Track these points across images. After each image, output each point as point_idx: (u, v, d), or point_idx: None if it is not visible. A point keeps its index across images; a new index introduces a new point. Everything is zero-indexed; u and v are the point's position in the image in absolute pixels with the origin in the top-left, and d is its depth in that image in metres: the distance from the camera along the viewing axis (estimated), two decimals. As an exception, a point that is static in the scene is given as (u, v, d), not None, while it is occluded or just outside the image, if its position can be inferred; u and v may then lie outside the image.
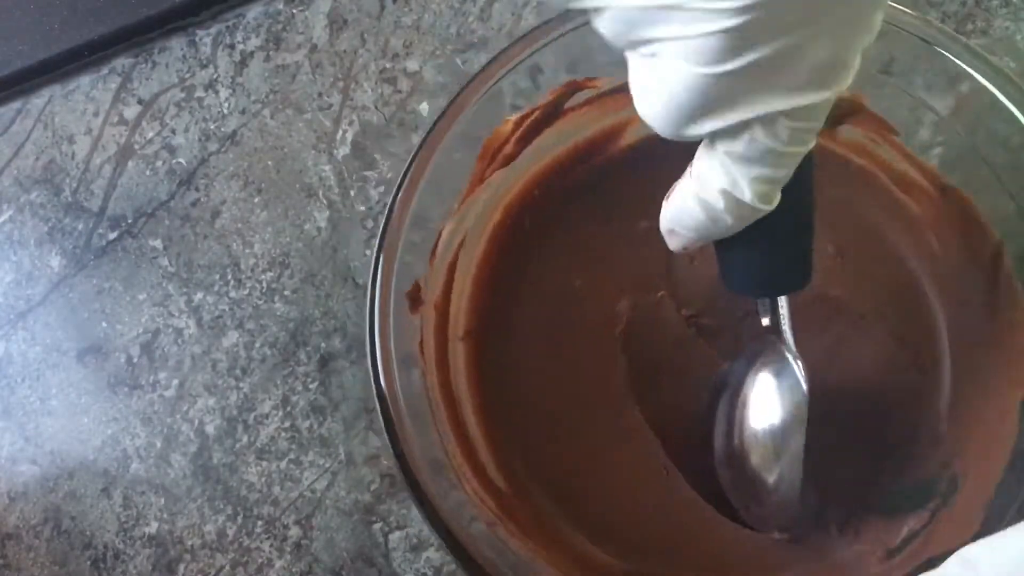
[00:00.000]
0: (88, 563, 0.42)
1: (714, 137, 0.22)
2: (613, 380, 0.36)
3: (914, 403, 0.34)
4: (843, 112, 0.34)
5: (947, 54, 0.31)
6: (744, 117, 0.21)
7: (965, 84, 0.31)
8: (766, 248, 0.26)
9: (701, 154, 0.23)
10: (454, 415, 0.34)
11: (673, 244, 0.27)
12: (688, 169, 0.25)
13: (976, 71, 0.31)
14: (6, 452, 0.44)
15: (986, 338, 0.33)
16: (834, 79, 0.20)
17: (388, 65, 0.44)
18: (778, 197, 0.23)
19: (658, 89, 0.21)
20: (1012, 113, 0.30)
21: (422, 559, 0.39)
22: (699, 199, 0.24)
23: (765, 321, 0.31)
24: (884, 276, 0.36)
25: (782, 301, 0.30)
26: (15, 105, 0.48)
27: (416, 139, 0.43)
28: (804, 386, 0.31)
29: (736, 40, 0.19)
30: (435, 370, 0.34)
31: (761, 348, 0.32)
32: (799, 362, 0.31)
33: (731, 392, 0.33)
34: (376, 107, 0.44)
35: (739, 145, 0.22)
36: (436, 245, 0.34)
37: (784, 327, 0.31)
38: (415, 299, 0.33)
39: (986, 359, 0.33)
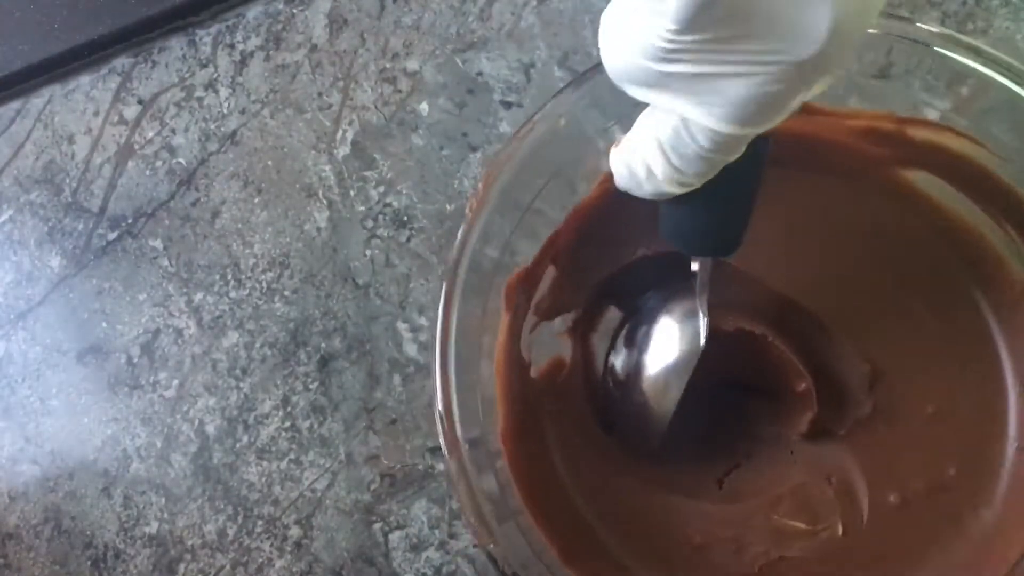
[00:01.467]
0: (88, 563, 0.42)
1: (648, 108, 0.24)
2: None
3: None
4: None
5: (950, 54, 0.31)
6: (668, 108, 0.22)
7: (965, 87, 0.31)
8: (694, 212, 0.27)
9: (640, 117, 0.25)
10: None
11: (616, 182, 0.28)
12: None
13: (985, 67, 0.30)
14: (6, 452, 0.44)
15: None
16: (752, 120, 0.22)
17: (388, 65, 0.44)
18: (690, 186, 0.24)
19: (612, 41, 0.23)
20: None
21: (422, 559, 0.39)
22: (625, 158, 0.25)
23: (694, 267, 0.32)
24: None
25: (706, 263, 0.31)
26: (15, 105, 0.48)
27: (416, 139, 0.43)
28: (702, 342, 0.32)
29: (664, 53, 0.21)
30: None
31: (684, 290, 0.33)
32: (705, 320, 0.32)
33: (644, 319, 0.35)
34: (376, 107, 0.44)
35: (663, 129, 0.23)
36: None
37: (700, 287, 0.32)
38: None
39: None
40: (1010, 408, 0.34)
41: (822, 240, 0.36)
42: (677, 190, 0.25)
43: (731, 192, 0.26)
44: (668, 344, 0.34)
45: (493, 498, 0.31)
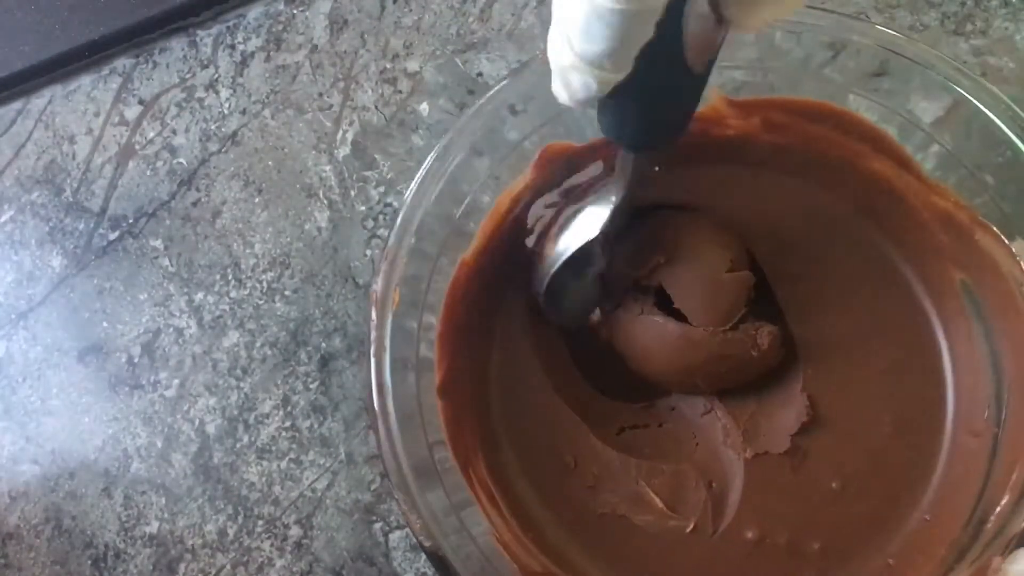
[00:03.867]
0: (89, 562, 0.42)
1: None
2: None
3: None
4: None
5: (932, 72, 0.31)
6: None
7: (952, 95, 0.32)
8: (625, 98, 0.25)
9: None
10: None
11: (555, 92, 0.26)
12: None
13: (961, 87, 0.31)
14: (7, 452, 0.44)
15: None
16: None
17: (388, 65, 0.44)
18: (610, 79, 0.23)
19: None
20: (998, 126, 0.31)
21: (422, 558, 0.39)
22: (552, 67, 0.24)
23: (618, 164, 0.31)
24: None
25: (629, 157, 0.30)
26: (16, 105, 0.48)
27: (417, 140, 0.43)
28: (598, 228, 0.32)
29: None
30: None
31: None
32: (613, 208, 0.32)
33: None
34: (376, 107, 0.44)
35: (570, 17, 0.22)
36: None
37: (619, 173, 0.31)
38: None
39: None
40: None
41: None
42: (599, 83, 0.23)
43: (655, 76, 0.25)
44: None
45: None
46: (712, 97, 0.34)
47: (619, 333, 0.36)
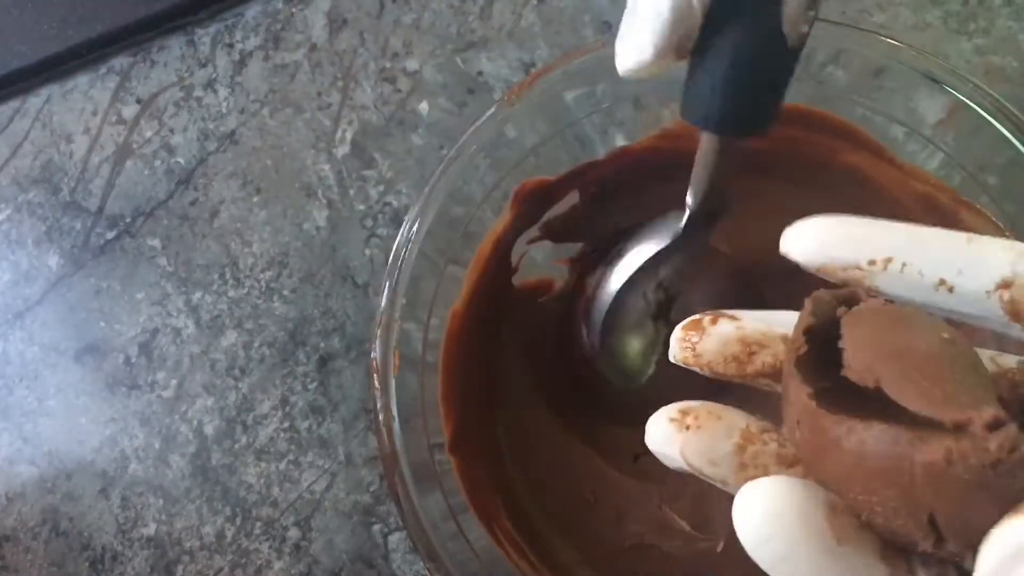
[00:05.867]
0: (86, 564, 0.41)
1: None
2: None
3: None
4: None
5: (931, 79, 0.31)
6: None
7: (952, 99, 0.31)
8: (712, 69, 0.24)
9: None
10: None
11: (629, 59, 0.24)
12: None
13: (960, 93, 0.31)
14: (4, 453, 0.44)
15: None
16: None
17: (388, 64, 0.44)
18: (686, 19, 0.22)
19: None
20: (997, 128, 0.31)
21: (421, 561, 0.38)
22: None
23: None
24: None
25: (713, 141, 0.27)
26: (13, 104, 0.48)
27: (416, 139, 0.43)
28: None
29: None
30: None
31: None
32: (688, 213, 0.29)
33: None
34: (376, 106, 0.43)
35: None
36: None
37: (701, 163, 0.28)
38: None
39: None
40: None
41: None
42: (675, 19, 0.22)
43: (746, 41, 0.23)
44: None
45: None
46: (677, 113, 0.34)
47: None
